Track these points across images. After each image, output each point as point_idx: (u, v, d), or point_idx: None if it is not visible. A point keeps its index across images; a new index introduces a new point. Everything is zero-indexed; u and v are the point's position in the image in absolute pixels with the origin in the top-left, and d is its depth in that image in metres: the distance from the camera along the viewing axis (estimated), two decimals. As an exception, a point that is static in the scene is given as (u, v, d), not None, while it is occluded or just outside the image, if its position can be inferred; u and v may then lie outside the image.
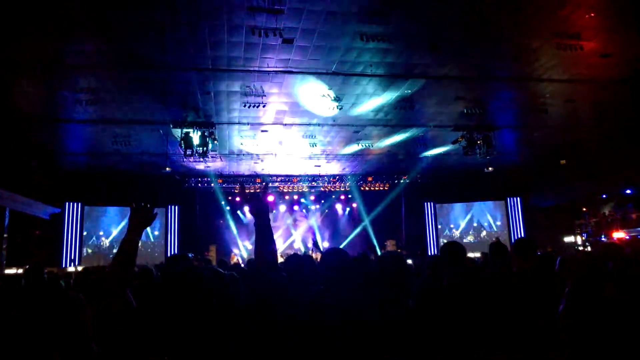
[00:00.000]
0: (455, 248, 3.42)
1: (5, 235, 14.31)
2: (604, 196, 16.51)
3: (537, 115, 12.15)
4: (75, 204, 17.44)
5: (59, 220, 17.05)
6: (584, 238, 16.23)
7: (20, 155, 13.62)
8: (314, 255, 15.35)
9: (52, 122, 11.28)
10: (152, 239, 18.66)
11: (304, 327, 2.51)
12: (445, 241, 15.19)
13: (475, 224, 20.38)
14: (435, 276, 4.00)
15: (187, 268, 2.18)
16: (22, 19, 6.85)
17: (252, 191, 15.54)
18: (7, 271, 12.71)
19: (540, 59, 8.90)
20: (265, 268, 2.51)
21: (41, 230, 16.77)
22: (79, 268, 14.48)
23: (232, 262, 15.15)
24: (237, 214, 19.99)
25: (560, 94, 10.62)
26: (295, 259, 3.35)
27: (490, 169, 14.50)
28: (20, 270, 11.82)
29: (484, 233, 20.18)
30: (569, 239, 17.37)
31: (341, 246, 19.55)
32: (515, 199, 19.75)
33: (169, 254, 18.02)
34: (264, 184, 17.73)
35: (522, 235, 19.41)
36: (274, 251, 2.57)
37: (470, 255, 15.29)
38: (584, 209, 16.68)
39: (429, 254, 18.12)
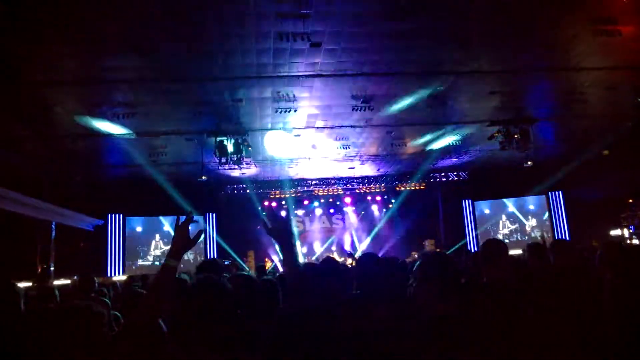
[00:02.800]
0: (494, 245, 3.35)
1: (52, 248, 14.91)
2: (651, 186, 15.78)
3: (576, 106, 11.75)
4: (117, 215, 18.00)
5: (102, 232, 17.62)
6: (631, 231, 15.55)
7: (64, 170, 14.16)
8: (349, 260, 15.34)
9: (92, 136, 11.67)
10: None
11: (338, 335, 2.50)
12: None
13: (516, 220, 19.91)
14: (475, 274, 3.91)
15: (206, 278, 2.13)
16: (62, 39, 7.13)
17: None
18: (56, 282, 13.23)
19: (577, 48, 8.60)
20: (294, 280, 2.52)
21: (86, 241, 17.37)
22: (124, 277, 14.91)
23: (266, 268, 15.38)
24: (274, 219, 20.12)
25: (600, 82, 10.23)
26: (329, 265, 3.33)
27: (529, 163, 14.12)
28: (68, 281, 12.29)
29: (527, 229, 19.69)
30: (615, 232, 16.69)
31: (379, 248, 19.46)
32: (557, 193, 19.18)
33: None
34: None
35: (566, 230, 18.83)
36: (297, 267, 2.60)
37: (513, 252, 14.94)
38: (630, 201, 15.98)
39: (471, 251, 17.79)
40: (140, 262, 18.49)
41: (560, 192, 19.09)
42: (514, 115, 12.01)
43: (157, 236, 18.97)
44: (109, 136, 11.64)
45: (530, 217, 19.89)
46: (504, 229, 19.82)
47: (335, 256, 17.10)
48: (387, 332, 2.50)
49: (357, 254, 17.95)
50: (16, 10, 6.36)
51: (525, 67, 9.41)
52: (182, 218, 2.36)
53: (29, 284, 12.08)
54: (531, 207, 19.94)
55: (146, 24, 6.96)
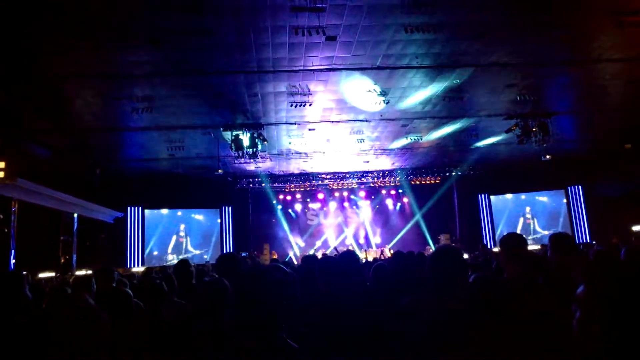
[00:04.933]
0: (514, 240, 3.30)
1: (74, 239, 15.22)
2: (675, 181, 15.45)
3: (597, 99, 11.55)
4: (136, 208, 18.28)
5: (122, 224, 17.92)
6: (654, 227, 15.27)
7: (86, 163, 14.41)
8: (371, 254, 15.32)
9: (112, 130, 11.85)
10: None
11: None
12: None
13: (534, 216, 19.69)
14: (495, 269, 3.89)
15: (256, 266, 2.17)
16: (81, 33, 7.25)
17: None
18: (77, 272, 13.50)
19: (598, 39, 8.44)
20: None
21: (106, 233, 17.69)
22: (142, 268, 15.17)
23: (272, 258, 15.56)
24: (289, 212, 20.28)
25: (622, 74, 10.04)
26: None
27: (547, 157, 13.92)
28: (89, 272, 12.55)
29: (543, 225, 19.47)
30: (637, 228, 16.39)
31: (393, 242, 19.44)
32: (576, 187, 18.89)
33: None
34: None
35: (586, 226, 18.56)
36: None
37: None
38: (653, 195, 15.67)
39: (487, 246, 17.67)
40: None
41: (579, 187, 18.80)
42: (532, 108, 11.84)
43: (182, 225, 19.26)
44: (128, 130, 11.81)
45: (545, 213, 19.66)
46: (520, 224, 19.62)
47: (356, 249, 17.19)
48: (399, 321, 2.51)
49: (373, 249, 17.98)
50: (37, 5, 6.49)
51: (545, 59, 9.25)
52: None
53: (52, 274, 12.36)
54: (546, 201, 19.69)
55: (163, 18, 7.03)
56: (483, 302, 2.75)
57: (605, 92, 11.08)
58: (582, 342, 2.59)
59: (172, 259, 18.14)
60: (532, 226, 19.52)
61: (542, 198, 19.63)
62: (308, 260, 5.11)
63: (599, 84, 10.63)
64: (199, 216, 19.54)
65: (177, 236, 19.07)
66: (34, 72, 8.43)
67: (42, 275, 11.79)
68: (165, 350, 2.86)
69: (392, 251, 15.46)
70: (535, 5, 7.24)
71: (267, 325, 1.94)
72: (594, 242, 15.72)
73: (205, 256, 18.39)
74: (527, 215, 19.68)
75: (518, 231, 18.93)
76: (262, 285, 2.02)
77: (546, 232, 18.82)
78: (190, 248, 19.09)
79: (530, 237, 18.79)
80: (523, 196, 19.80)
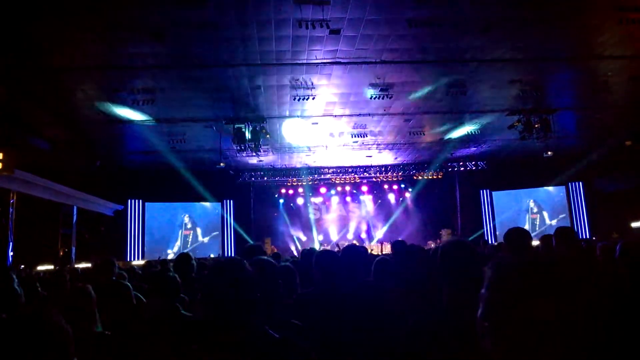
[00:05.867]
0: (518, 234, 3.30)
1: (73, 232, 15.21)
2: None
3: (599, 95, 11.52)
4: (136, 201, 18.21)
5: (122, 217, 17.89)
6: (654, 223, 15.28)
7: (85, 156, 14.38)
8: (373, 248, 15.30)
9: (112, 123, 11.82)
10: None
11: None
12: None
13: (535, 211, 19.68)
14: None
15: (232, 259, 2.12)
16: (83, 25, 7.21)
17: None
18: (77, 265, 13.51)
19: (601, 36, 8.42)
20: None
21: (106, 226, 17.67)
22: (142, 261, 15.17)
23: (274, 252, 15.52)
24: (290, 206, 20.28)
25: (624, 71, 10.01)
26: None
27: (549, 153, 13.91)
28: (89, 265, 12.55)
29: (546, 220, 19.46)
30: (636, 224, 16.40)
31: (395, 237, 19.42)
32: (577, 184, 18.88)
33: (225, 248, 18.59)
34: None
35: (586, 221, 18.57)
36: None
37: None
38: (654, 192, 15.65)
39: (489, 242, 17.66)
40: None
41: (580, 183, 18.80)
42: (534, 104, 11.83)
43: (186, 217, 19.16)
44: (129, 122, 11.78)
45: (548, 208, 19.64)
46: (522, 220, 19.60)
47: (357, 244, 17.18)
48: (402, 319, 2.48)
49: (374, 244, 17.99)
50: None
51: (548, 55, 9.23)
52: None
53: (51, 267, 12.37)
54: (552, 190, 19.65)
55: (166, 10, 6.99)
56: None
57: (607, 89, 11.05)
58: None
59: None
60: (538, 220, 19.45)
61: (548, 187, 19.53)
62: (307, 254, 5.10)
63: (601, 80, 10.60)
64: (205, 203, 19.34)
65: (182, 230, 18.94)
66: (35, 64, 8.40)
67: (40, 268, 11.80)
68: (180, 344, 2.83)
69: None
70: (539, 0, 7.20)
71: (237, 318, 1.91)
72: (594, 238, 15.75)
73: (211, 254, 18.16)
74: (533, 210, 19.61)
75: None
76: (222, 279, 1.98)
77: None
78: (201, 238, 18.97)
79: (539, 231, 18.70)
80: (525, 191, 19.75)
